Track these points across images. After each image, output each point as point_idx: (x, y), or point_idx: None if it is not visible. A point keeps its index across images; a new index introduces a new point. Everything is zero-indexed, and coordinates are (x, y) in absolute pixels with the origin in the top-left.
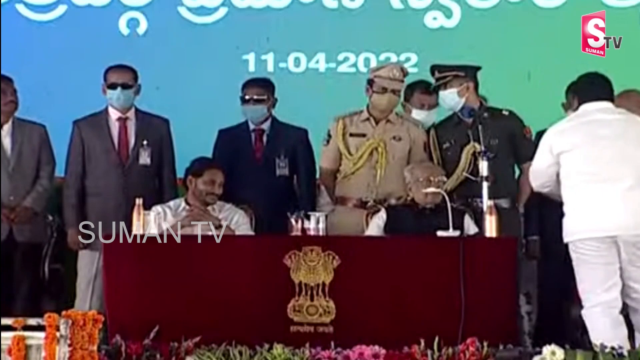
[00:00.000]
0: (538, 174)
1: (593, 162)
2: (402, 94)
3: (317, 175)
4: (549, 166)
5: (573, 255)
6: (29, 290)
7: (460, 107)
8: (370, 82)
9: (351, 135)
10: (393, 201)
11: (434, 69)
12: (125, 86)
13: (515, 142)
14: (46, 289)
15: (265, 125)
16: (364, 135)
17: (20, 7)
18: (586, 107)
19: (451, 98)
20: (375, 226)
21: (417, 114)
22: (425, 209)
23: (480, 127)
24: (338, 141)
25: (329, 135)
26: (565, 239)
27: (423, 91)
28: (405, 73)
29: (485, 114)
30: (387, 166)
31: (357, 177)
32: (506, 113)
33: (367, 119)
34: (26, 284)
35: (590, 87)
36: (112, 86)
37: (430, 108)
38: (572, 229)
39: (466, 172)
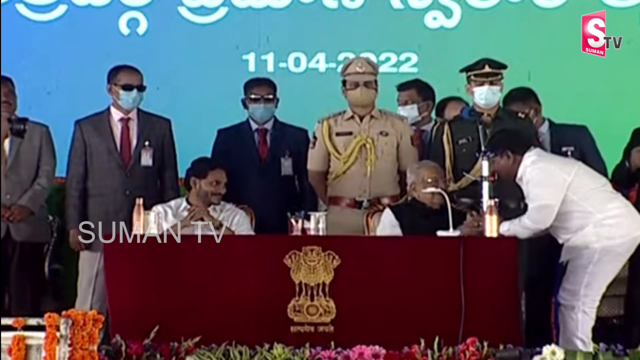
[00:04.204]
0: (552, 210)
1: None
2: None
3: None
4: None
5: (609, 256)
6: (28, 289)
7: (492, 107)
8: (343, 82)
9: (337, 134)
10: (386, 200)
11: (484, 62)
12: (140, 88)
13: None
14: (46, 288)
15: (268, 125)
16: (350, 133)
17: (20, 7)
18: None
19: (494, 95)
20: (388, 225)
21: (400, 111)
22: (432, 209)
23: (480, 127)
24: (325, 142)
25: (315, 138)
26: (619, 240)
27: (400, 88)
28: (372, 65)
29: (503, 115)
30: (377, 162)
31: (348, 176)
32: (522, 116)
33: (351, 117)
34: (25, 283)
35: None
36: (128, 87)
37: (406, 104)
38: (624, 231)
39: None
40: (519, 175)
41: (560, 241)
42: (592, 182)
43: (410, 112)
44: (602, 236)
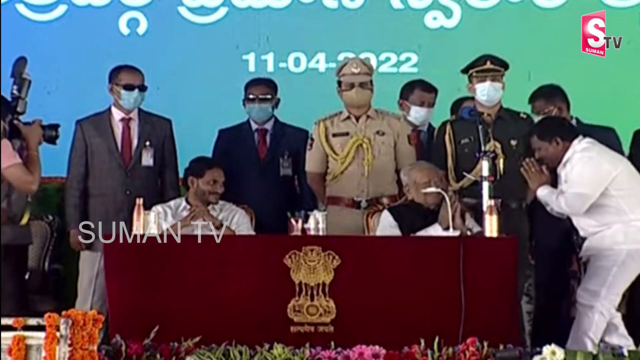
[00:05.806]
0: (588, 200)
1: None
2: (373, 85)
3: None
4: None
5: (633, 260)
6: (11, 293)
7: (494, 104)
8: (339, 83)
9: (334, 135)
10: (385, 200)
11: (486, 58)
12: (142, 88)
13: (530, 145)
14: (46, 288)
15: (268, 125)
16: (347, 133)
17: (20, 7)
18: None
19: (495, 91)
20: (388, 226)
21: (415, 112)
22: (430, 209)
23: (485, 127)
24: (322, 143)
25: (312, 139)
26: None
27: (424, 88)
28: (368, 65)
29: (505, 115)
30: (374, 161)
31: (347, 177)
32: (524, 116)
33: (348, 118)
34: (8, 286)
35: None
36: (129, 87)
37: (430, 106)
38: None
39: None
40: (564, 159)
41: (582, 233)
42: (634, 182)
43: (430, 115)
44: (630, 238)
